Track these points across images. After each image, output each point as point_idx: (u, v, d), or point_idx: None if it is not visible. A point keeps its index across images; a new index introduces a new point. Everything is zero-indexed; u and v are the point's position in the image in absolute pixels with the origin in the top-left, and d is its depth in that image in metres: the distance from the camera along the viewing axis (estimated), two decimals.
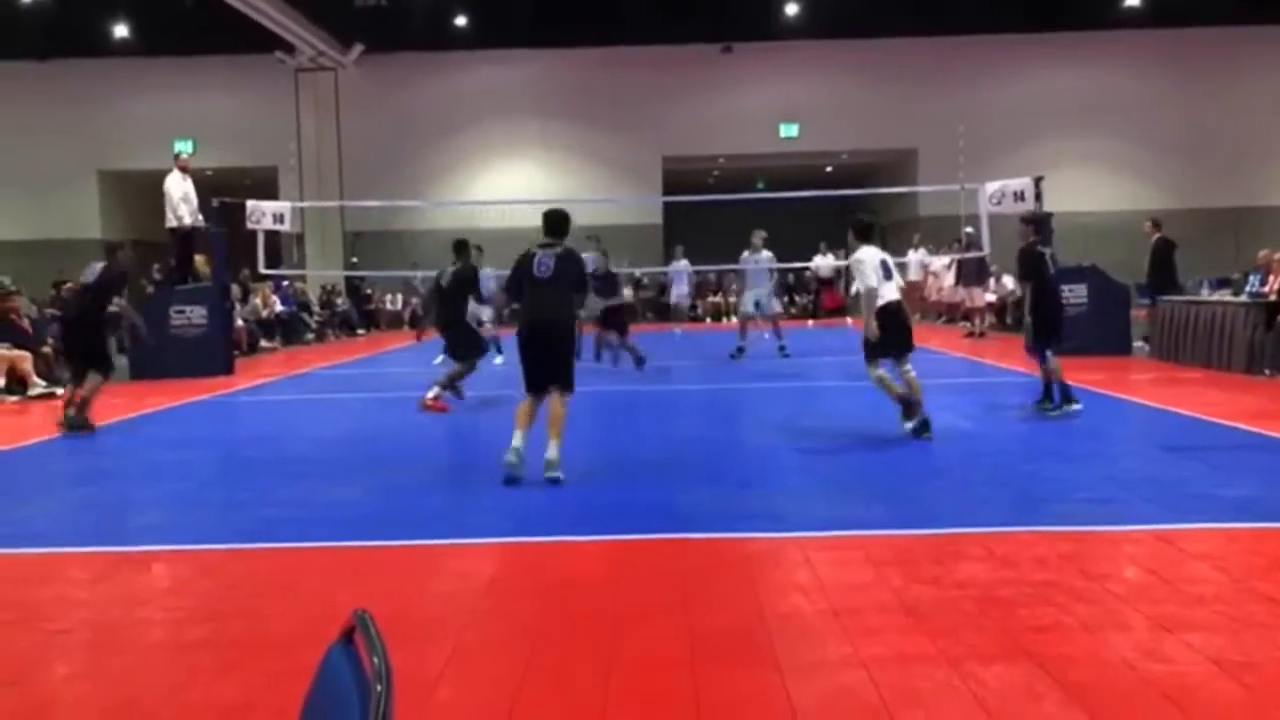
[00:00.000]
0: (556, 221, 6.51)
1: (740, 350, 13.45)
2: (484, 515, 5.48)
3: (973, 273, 17.53)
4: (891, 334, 7.22)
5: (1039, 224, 8.75)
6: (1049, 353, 8.12)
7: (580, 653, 3.43)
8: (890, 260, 7.58)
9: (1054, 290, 8.49)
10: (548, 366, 6.20)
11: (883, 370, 7.30)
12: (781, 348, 13.54)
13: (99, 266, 9.12)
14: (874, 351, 7.28)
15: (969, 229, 16.99)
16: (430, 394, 9.32)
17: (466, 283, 9.78)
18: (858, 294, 8.56)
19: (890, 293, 7.28)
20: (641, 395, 10.54)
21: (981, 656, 3.23)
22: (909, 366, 7.33)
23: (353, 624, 1.15)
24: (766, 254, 13.74)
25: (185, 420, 9.57)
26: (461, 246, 10.00)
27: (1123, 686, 3.00)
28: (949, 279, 19.41)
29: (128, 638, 3.74)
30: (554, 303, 6.20)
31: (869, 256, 7.41)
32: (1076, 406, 8.03)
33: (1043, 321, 8.15)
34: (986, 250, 15.88)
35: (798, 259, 20.15)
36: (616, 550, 4.67)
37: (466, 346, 9.61)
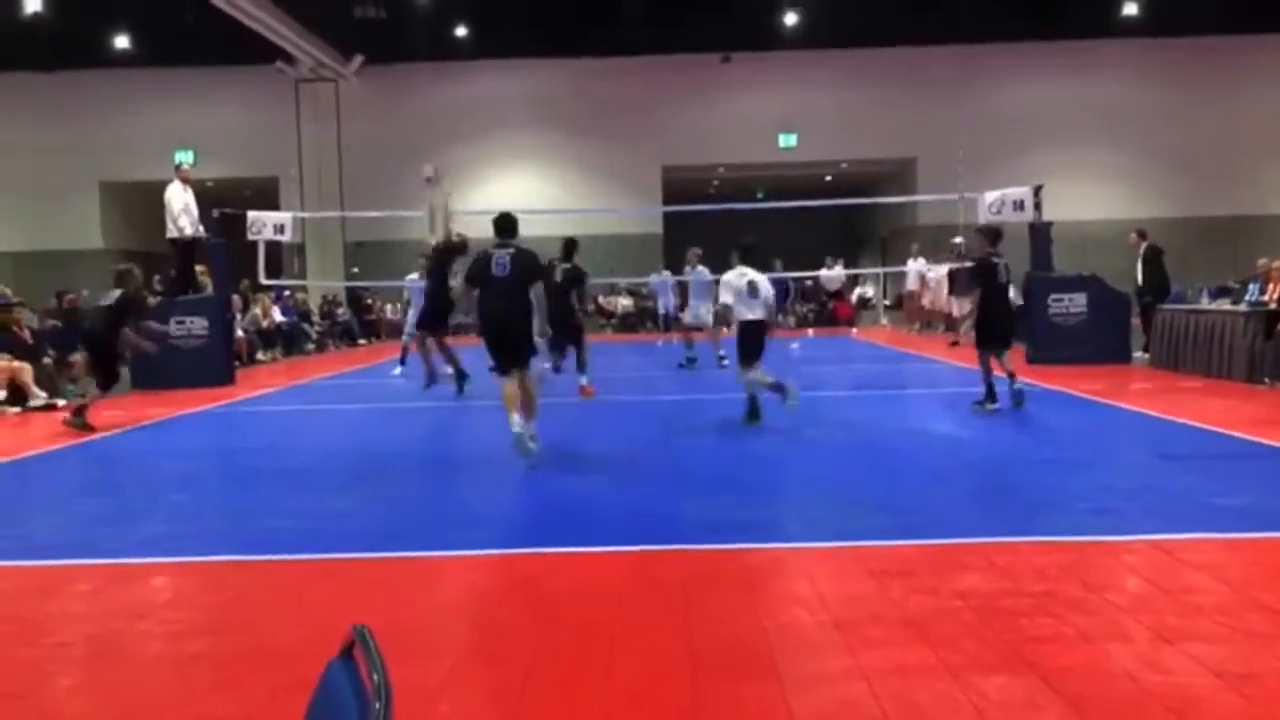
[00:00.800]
0: (508, 223, 7.50)
1: (690, 360, 13.94)
2: (484, 527, 5.48)
3: (964, 283, 17.50)
4: (753, 343, 8.32)
5: (993, 236, 9.31)
6: (991, 355, 8.89)
7: (580, 665, 3.43)
8: (762, 282, 8.39)
9: (1002, 298, 9.11)
10: (510, 350, 7.02)
11: (754, 373, 8.39)
12: (720, 358, 13.91)
13: (117, 293, 9.80)
14: (746, 358, 8.40)
15: (958, 239, 17.02)
16: (584, 380, 10.64)
17: (575, 281, 10.70)
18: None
19: (752, 312, 8.29)
20: (635, 406, 10.55)
21: (982, 667, 3.23)
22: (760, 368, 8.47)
23: (352, 639, 1.15)
24: (702, 268, 14.52)
25: (186, 431, 9.57)
26: (571, 246, 10.96)
27: (1123, 697, 3.00)
28: (945, 289, 19.42)
29: (128, 651, 3.73)
30: (509, 297, 7.04)
31: (735, 278, 8.39)
32: (992, 405, 8.79)
33: (988, 327, 8.92)
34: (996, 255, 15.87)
35: (797, 268, 20.18)
36: (616, 562, 4.67)
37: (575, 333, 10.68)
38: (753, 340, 8.31)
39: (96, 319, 10.11)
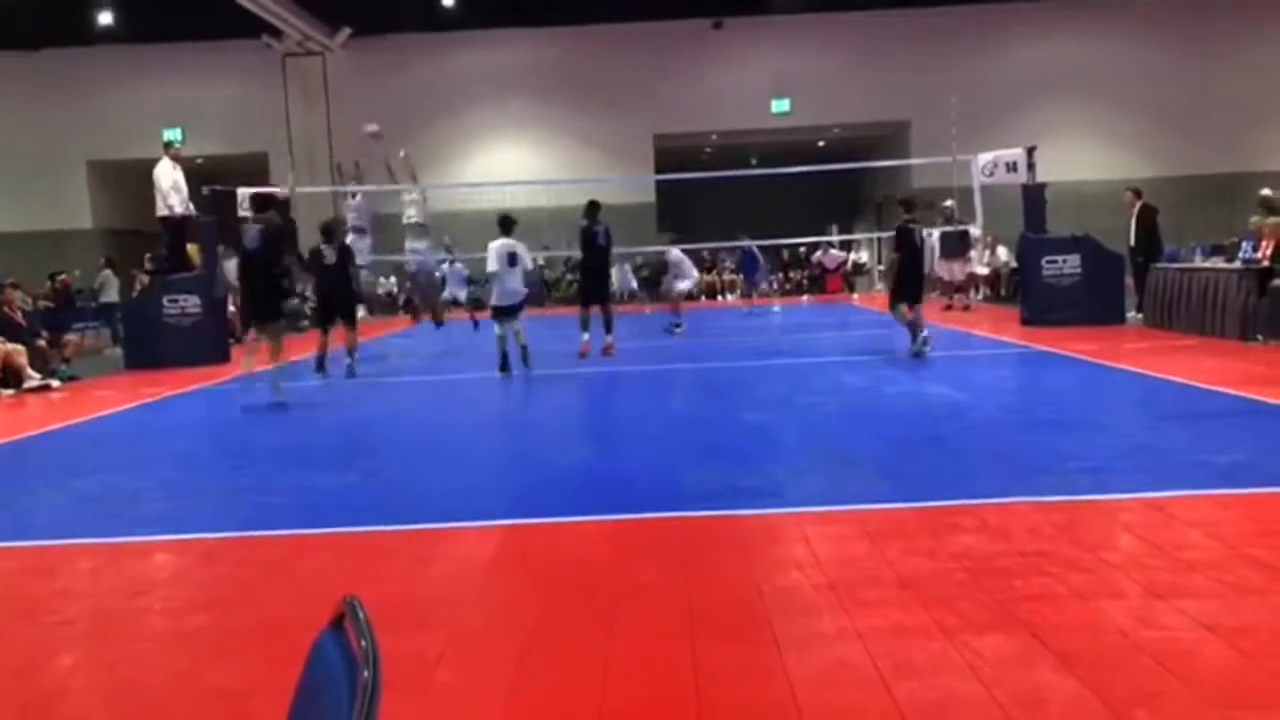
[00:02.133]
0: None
1: (678, 326, 14.97)
2: (481, 498, 5.50)
3: (953, 247, 17.48)
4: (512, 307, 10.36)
5: (909, 205, 10.78)
6: (904, 306, 10.54)
7: (579, 630, 3.46)
8: (521, 251, 10.24)
9: (916, 260, 10.71)
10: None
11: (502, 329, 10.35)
12: (676, 325, 15.01)
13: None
14: (501, 316, 10.46)
15: (948, 202, 16.94)
16: (609, 339, 11.40)
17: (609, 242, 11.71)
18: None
19: (513, 280, 10.20)
20: (632, 374, 10.56)
21: (976, 626, 3.26)
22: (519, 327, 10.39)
23: (342, 610, 1.16)
24: (676, 249, 15.96)
25: (181, 409, 9.58)
26: (594, 207, 11.72)
27: (1116, 653, 3.03)
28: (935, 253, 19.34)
29: (129, 627, 3.76)
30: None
31: (499, 247, 10.20)
32: (920, 347, 10.42)
33: (903, 284, 10.57)
34: (979, 221, 15.85)
35: (791, 234, 20.12)
36: (614, 529, 4.69)
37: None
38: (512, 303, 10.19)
39: (332, 273, 10.94)
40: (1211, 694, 2.75)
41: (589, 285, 11.77)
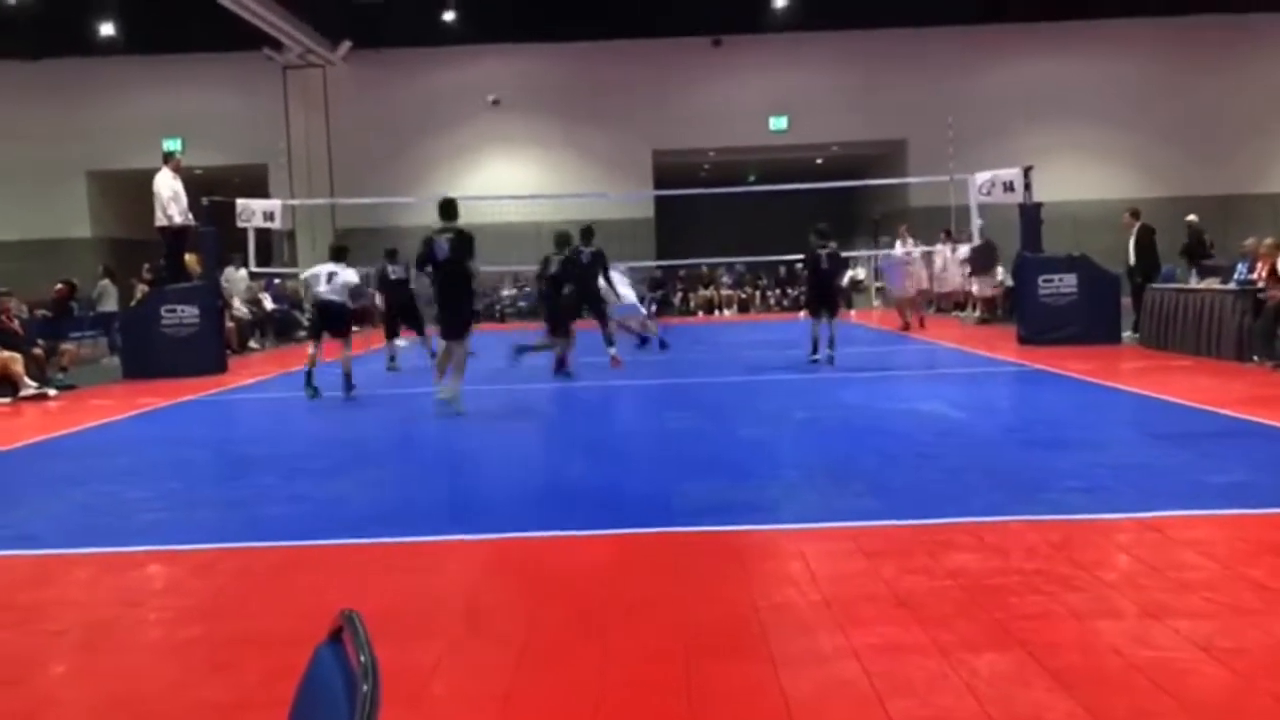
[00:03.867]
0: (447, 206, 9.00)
1: (644, 341, 14.88)
2: (477, 511, 5.50)
3: (981, 263, 17.57)
4: (330, 317, 10.39)
5: (821, 234, 12.02)
6: (814, 320, 11.92)
7: (574, 646, 3.45)
8: (340, 273, 10.31)
9: (825, 280, 12.02)
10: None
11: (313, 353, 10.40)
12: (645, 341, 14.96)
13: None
14: (312, 331, 10.92)
15: (980, 221, 16.92)
16: (613, 351, 11.85)
17: (600, 258, 12.16)
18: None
19: (333, 295, 10.23)
20: (629, 390, 10.56)
21: (972, 645, 3.26)
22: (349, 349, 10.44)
23: (340, 623, 1.16)
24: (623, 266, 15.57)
25: (179, 419, 9.56)
26: (588, 233, 12.34)
27: (1111, 673, 3.03)
28: (959, 269, 19.38)
29: (123, 638, 3.75)
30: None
31: (320, 269, 10.65)
32: (815, 358, 11.67)
33: (814, 300, 12.17)
34: (976, 241, 15.90)
35: (788, 252, 20.15)
36: (609, 544, 4.69)
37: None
38: (330, 315, 10.33)
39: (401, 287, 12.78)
40: (1207, 714, 2.75)
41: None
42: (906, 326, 16.88)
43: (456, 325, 8.73)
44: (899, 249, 21.12)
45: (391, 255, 13.35)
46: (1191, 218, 15.95)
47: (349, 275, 10.45)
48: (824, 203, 25.82)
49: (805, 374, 11.24)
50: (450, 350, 8.79)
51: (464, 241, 8.66)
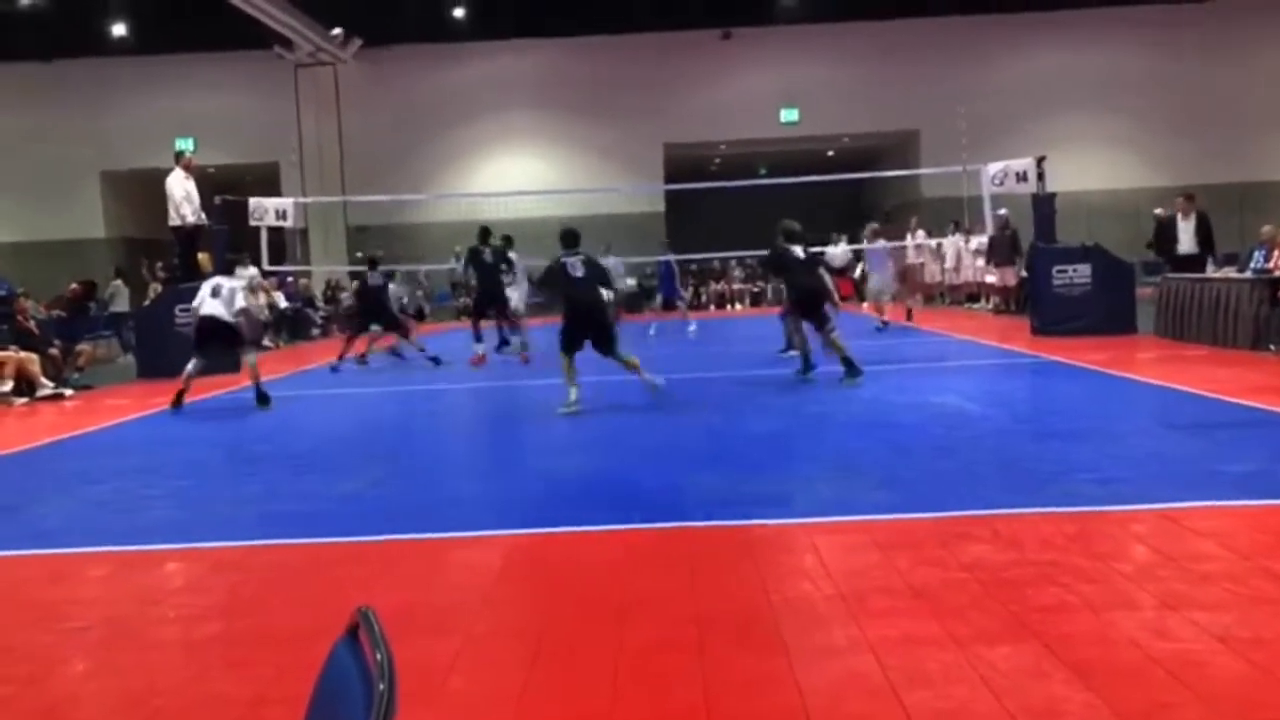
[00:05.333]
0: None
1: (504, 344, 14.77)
2: (491, 507, 5.51)
3: (1004, 254, 17.50)
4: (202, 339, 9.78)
5: (787, 234, 10.27)
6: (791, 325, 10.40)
7: (589, 640, 3.46)
8: (224, 285, 9.82)
9: (800, 283, 10.12)
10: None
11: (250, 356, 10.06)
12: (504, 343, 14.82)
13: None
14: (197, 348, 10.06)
15: (1003, 210, 16.84)
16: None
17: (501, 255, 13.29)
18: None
19: (206, 309, 9.64)
20: (637, 386, 10.55)
21: (988, 637, 3.25)
22: (251, 356, 10.04)
23: (356, 620, 1.16)
24: (614, 259, 15.16)
25: (193, 418, 9.61)
26: (485, 233, 13.49)
27: (1129, 665, 3.02)
28: (973, 260, 19.30)
29: (141, 635, 3.77)
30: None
31: (215, 281, 10.05)
32: (810, 375, 9.85)
33: (793, 305, 10.19)
34: (990, 231, 15.82)
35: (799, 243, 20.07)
36: (623, 539, 4.69)
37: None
38: (206, 331, 9.73)
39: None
40: (1225, 706, 2.73)
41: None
42: (909, 315, 16.85)
43: (607, 340, 8.63)
44: (909, 241, 21.08)
45: (372, 263, 13.94)
46: (1159, 210, 15.92)
47: (237, 293, 9.85)
48: (835, 195, 25.74)
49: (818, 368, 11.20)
50: (618, 356, 8.65)
51: (597, 270, 8.82)
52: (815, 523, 4.72)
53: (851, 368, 9.35)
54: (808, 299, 9.91)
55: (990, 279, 18.56)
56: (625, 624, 3.58)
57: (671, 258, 18.40)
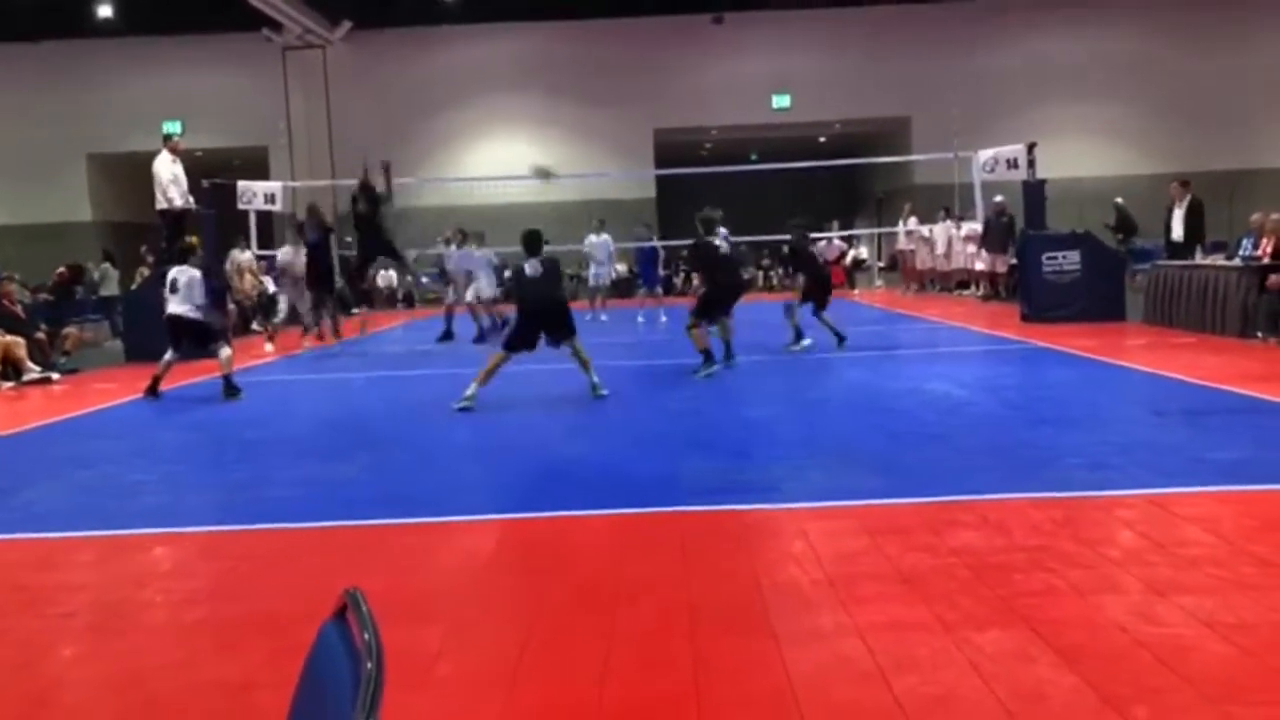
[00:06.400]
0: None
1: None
2: (481, 492, 5.51)
3: (998, 241, 17.53)
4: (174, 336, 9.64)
5: (706, 225, 10.07)
6: (705, 321, 9.71)
7: (579, 625, 3.46)
8: (180, 278, 9.49)
9: (720, 280, 9.92)
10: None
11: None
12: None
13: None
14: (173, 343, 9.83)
15: (998, 198, 16.86)
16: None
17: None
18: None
19: (170, 308, 9.56)
20: (630, 371, 10.55)
21: (976, 622, 3.27)
22: (224, 350, 9.63)
23: (344, 602, 1.16)
24: (606, 236, 15.12)
25: (181, 402, 9.57)
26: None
27: (1116, 649, 3.04)
28: (963, 246, 19.31)
29: (130, 620, 3.76)
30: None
31: (171, 275, 9.72)
32: (709, 369, 9.44)
33: (704, 301, 9.89)
34: (980, 218, 15.86)
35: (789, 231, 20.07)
36: (615, 524, 4.70)
37: None
38: (175, 329, 9.62)
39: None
40: (1211, 690, 2.75)
41: None
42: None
43: (564, 329, 8.43)
44: (900, 227, 21.11)
45: (300, 228, 13.81)
46: (1118, 200, 16.04)
47: (195, 284, 9.53)
48: (827, 181, 25.74)
49: (808, 354, 11.22)
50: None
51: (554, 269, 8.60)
52: (805, 508, 4.73)
53: (708, 360, 9.47)
54: (729, 296, 9.96)
55: (980, 265, 18.58)
56: (616, 607, 3.58)
57: (656, 243, 18.19)
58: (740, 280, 10.43)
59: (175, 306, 9.51)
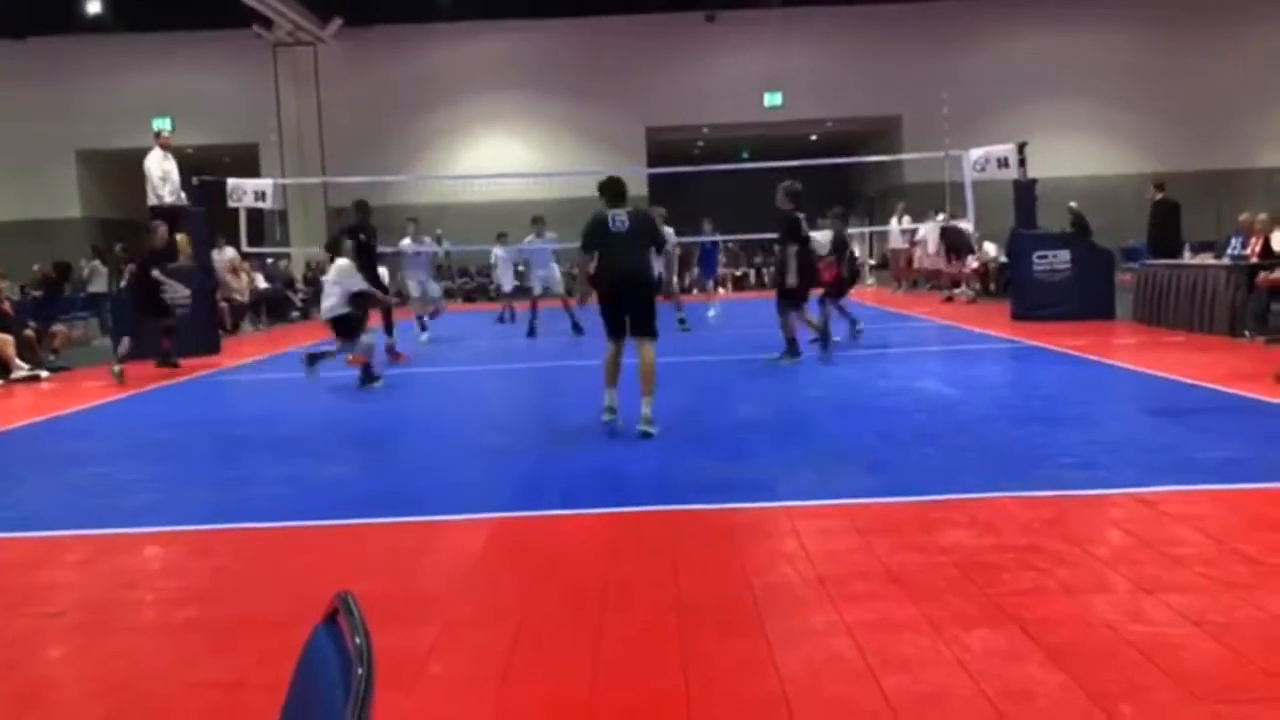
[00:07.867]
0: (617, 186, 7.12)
1: (532, 330, 14.15)
2: (473, 491, 5.50)
3: (956, 245, 17.68)
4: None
5: (794, 195, 10.15)
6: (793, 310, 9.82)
7: (570, 624, 3.46)
8: (330, 276, 9.59)
9: (810, 257, 10.12)
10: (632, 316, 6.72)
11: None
12: (575, 325, 13.96)
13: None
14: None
15: (968, 199, 16.94)
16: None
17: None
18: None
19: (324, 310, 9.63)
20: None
21: (965, 621, 3.28)
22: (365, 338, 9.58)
23: (335, 605, 1.16)
24: (551, 235, 14.61)
25: (173, 400, 9.54)
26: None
27: (1104, 647, 3.05)
28: (933, 246, 19.45)
29: (120, 619, 3.75)
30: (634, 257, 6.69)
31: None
32: (796, 359, 9.72)
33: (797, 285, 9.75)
34: (971, 217, 15.88)
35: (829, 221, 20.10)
36: (605, 523, 4.70)
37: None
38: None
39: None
40: (1198, 688, 2.77)
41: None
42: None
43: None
44: (894, 226, 21.15)
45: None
46: (1073, 204, 16.17)
47: (342, 274, 9.64)
48: (819, 180, 25.65)
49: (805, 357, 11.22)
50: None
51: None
52: (796, 506, 4.74)
53: (793, 349, 9.88)
54: (813, 277, 10.34)
55: (972, 264, 18.68)
56: (606, 607, 3.58)
57: (718, 237, 17.98)
58: (816, 263, 10.35)
59: (326, 305, 9.59)
